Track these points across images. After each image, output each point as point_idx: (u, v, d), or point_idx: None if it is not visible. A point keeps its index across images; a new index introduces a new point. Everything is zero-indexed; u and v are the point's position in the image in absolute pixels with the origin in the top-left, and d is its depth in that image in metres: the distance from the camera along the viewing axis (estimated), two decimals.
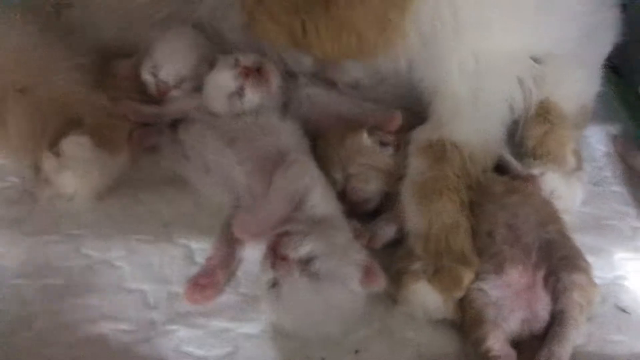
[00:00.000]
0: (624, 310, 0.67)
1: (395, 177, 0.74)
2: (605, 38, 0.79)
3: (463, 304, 0.65)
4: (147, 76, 0.85)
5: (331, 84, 0.84)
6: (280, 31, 0.71)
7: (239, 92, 0.78)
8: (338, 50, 0.68)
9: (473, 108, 0.73)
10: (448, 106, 0.73)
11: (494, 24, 0.68)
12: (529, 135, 0.79)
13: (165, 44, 0.85)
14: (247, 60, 0.79)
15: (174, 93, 0.84)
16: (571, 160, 0.79)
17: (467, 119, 0.72)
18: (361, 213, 0.74)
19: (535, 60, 0.74)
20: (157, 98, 0.85)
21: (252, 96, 0.78)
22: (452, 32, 0.67)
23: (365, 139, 0.75)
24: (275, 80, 0.80)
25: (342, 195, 0.73)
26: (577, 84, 0.80)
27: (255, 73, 0.78)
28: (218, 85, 0.79)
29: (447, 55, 0.69)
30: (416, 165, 0.72)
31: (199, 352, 0.61)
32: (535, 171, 0.77)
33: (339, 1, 0.63)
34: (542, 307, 0.63)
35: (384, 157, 0.75)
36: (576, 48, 0.74)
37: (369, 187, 0.74)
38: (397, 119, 0.76)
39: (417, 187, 0.70)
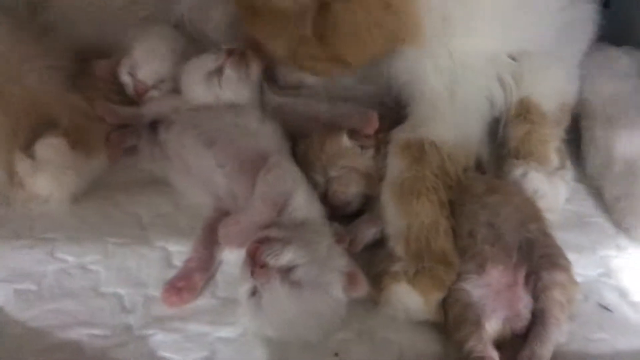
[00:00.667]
0: (606, 308, 0.67)
1: (376, 179, 0.73)
2: (582, 34, 0.79)
3: (445, 305, 0.64)
4: (125, 76, 0.84)
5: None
6: (323, 64, 0.72)
7: (218, 71, 0.77)
8: (370, 55, 0.68)
9: (451, 106, 0.72)
10: (426, 105, 0.73)
11: (468, 22, 0.67)
12: (511, 135, 0.79)
13: (144, 44, 0.84)
14: (230, 45, 0.79)
15: (153, 94, 0.83)
16: (554, 159, 0.79)
17: (446, 117, 0.72)
18: (342, 215, 0.73)
19: (513, 58, 0.74)
20: (136, 99, 0.84)
21: (231, 73, 0.77)
22: (429, 32, 0.66)
23: (345, 141, 0.74)
24: (256, 67, 0.79)
25: (324, 198, 0.73)
26: (556, 82, 0.79)
27: (237, 55, 0.78)
28: (197, 66, 0.79)
29: (422, 54, 0.69)
30: (395, 165, 0.71)
31: (176, 357, 0.60)
32: (518, 171, 0.76)
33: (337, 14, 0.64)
34: (524, 306, 0.62)
35: (365, 159, 0.74)
36: (553, 45, 0.74)
37: (350, 190, 0.73)
38: (374, 121, 0.75)
39: (396, 188, 0.69)
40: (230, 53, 0.79)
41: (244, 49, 0.80)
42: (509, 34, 0.71)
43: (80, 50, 0.86)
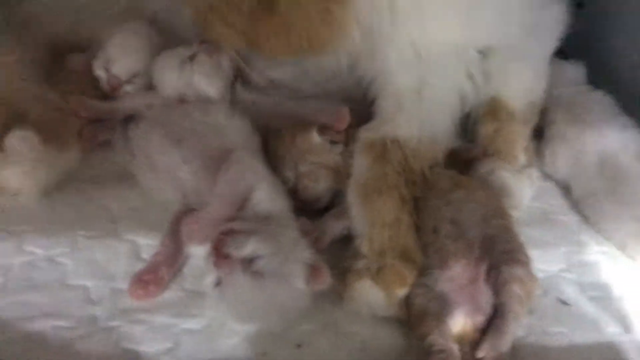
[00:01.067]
0: (565, 302, 0.69)
1: (345, 174, 0.74)
2: (550, 34, 0.80)
3: (408, 298, 0.65)
4: (99, 71, 0.84)
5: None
6: (233, 34, 0.72)
7: (192, 58, 0.79)
8: (289, 50, 0.69)
9: (418, 102, 0.72)
10: (391, 101, 0.73)
11: (427, 14, 0.68)
12: (480, 132, 0.80)
13: (118, 38, 0.85)
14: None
15: (126, 88, 0.84)
16: (521, 158, 0.80)
17: (412, 113, 0.72)
18: (312, 210, 0.74)
19: (482, 53, 0.74)
20: (110, 93, 0.84)
21: (204, 58, 0.79)
22: (389, 23, 0.67)
23: (315, 137, 0.75)
24: (227, 59, 0.81)
25: (294, 193, 0.73)
26: (524, 81, 0.80)
27: (212, 46, 0.81)
28: (171, 55, 0.81)
29: (386, 48, 0.69)
30: (359, 164, 0.72)
31: (140, 348, 0.61)
32: (485, 168, 0.77)
33: (281, 5, 0.64)
34: (485, 301, 0.63)
35: (334, 155, 0.75)
36: (521, 43, 0.74)
37: (320, 186, 0.74)
38: (346, 116, 0.76)
39: (360, 187, 0.70)
40: (202, 43, 0.81)
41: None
42: (472, 27, 0.71)
43: (54, 44, 0.86)
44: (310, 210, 0.74)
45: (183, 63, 0.80)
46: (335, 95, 0.82)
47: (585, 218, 0.78)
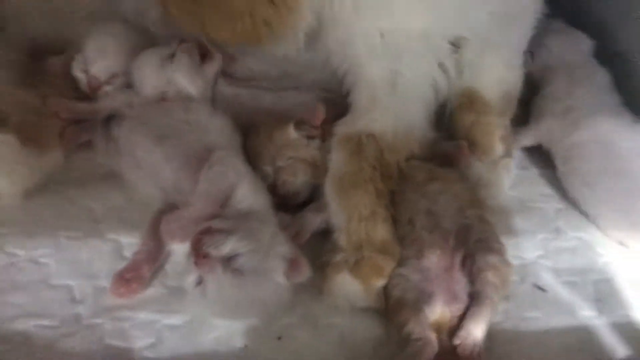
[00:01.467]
0: (540, 288, 0.70)
1: (322, 168, 0.75)
2: (524, 25, 0.80)
3: (385, 289, 0.66)
4: (78, 72, 0.84)
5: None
6: (190, 21, 0.73)
7: (171, 56, 0.80)
8: (236, 36, 0.69)
9: (391, 94, 0.73)
10: (365, 94, 0.74)
11: (393, 2, 0.68)
12: (457, 126, 0.81)
13: (95, 39, 0.85)
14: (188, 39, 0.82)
15: (106, 89, 0.84)
16: (499, 148, 0.81)
17: (385, 106, 0.73)
18: (292, 205, 0.75)
19: (453, 44, 0.75)
20: (90, 94, 0.85)
21: (183, 56, 0.80)
22: (353, 11, 0.67)
23: (292, 132, 0.76)
24: (213, 63, 0.82)
25: (273, 188, 0.75)
26: (497, 71, 0.81)
27: (191, 45, 0.81)
28: (151, 54, 0.82)
29: (354, 38, 0.69)
30: (336, 159, 0.73)
31: (123, 345, 0.62)
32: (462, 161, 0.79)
33: None
34: (461, 289, 0.65)
35: (312, 150, 0.76)
36: (492, 33, 0.75)
37: (298, 180, 0.75)
38: (321, 112, 0.77)
39: (337, 181, 0.71)
40: (182, 41, 0.82)
41: (200, 42, 0.82)
42: (440, 15, 0.71)
43: (32, 47, 0.87)
44: (289, 205, 0.75)
45: (163, 61, 0.81)
46: (312, 87, 0.83)
47: (561, 175, 0.81)
